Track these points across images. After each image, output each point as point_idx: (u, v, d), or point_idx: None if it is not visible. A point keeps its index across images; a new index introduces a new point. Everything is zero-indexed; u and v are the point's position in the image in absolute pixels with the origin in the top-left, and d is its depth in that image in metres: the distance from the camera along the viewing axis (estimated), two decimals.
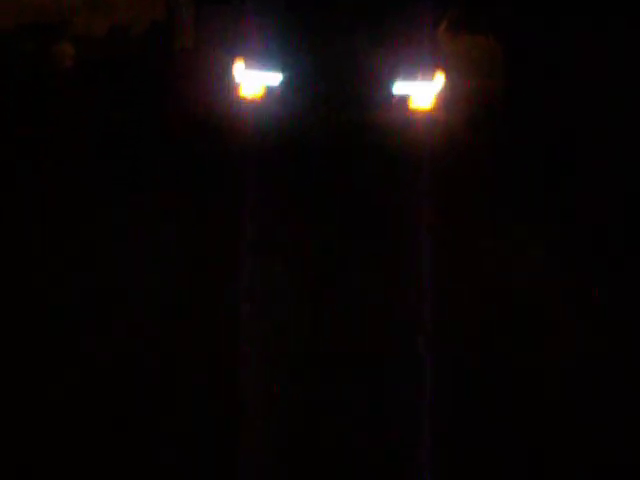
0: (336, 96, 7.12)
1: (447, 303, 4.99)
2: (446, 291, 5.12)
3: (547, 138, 8.39)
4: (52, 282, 5.06)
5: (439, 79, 7.13)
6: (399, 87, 7.11)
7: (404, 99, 7.10)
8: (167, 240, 5.75)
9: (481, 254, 5.86)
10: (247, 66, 7.16)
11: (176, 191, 6.64)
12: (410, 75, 7.10)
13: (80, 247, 5.65)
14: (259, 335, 4.56)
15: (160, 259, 5.47)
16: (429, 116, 7.08)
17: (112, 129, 8.76)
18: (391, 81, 7.11)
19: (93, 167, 7.29)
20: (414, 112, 7.08)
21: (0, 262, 5.35)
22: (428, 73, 7.10)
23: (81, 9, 11.08)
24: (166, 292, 5.05)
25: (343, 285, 5.23)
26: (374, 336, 4.74)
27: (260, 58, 7.17)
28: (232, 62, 7.29)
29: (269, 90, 7.17)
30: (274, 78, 7.18)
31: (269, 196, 6.15)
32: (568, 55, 10.01)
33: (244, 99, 7.20)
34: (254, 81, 7.16)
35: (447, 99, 7.36)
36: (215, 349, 4.42)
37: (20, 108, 9.08)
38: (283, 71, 7.14)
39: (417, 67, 7.15)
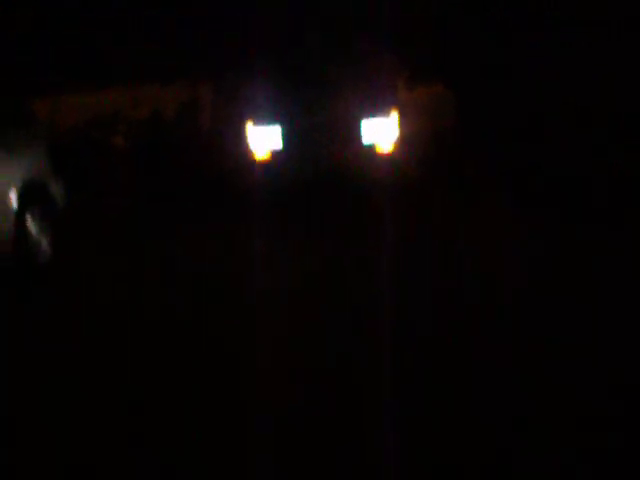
0: (322, 144, 9.33)
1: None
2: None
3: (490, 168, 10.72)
4: None
5: (395, 118, 9.35)
6: (367, 135, 9.32)
7: (371, 145, 9.35)
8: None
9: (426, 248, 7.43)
10: (255, 124, 9.40)
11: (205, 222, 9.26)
12: (373, 118, 9.29)
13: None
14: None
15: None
16: (390, 157, 9.38)
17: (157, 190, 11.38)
18: (359, 122, 9.30)
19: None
20: (380, 154, 9.37)
21: None
22: (387, 113, 9.31)
23: (128, 103, 13.63)
24: None
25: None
26: None
27: (264, 117, 9.41)
28: (244, 123, 9.54)
29: (274, 153, 9.45)
30: (277, 143, 9.41)
31: (274, 219, 8.77)
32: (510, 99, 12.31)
33: (256, 160, 9.54)
34: (263, 145, 9.46)
35: (406, 141, 9.66)
36: None
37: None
38: (282, 125, 9.31)
39: (379, 112, 9.32)
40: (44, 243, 7.80)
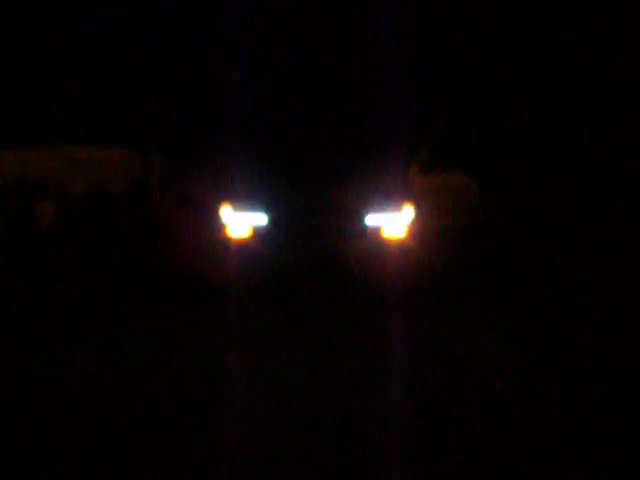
0: (315, 229, 7.65)
1: None
2: None
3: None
4: None
5: (408, 212, 7.79)
6: (372, 219, 7.69)
7: (377, 229, 7.66)
8: None
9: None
10: (234, 209, 7.67)
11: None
12: (381, 208, 7.70)
13: None
14: None
15: None
16: (401, 244, 7.68)
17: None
18: (365, 214, 7.68)
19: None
20: (387, 241, 7.66)
21: None
22: (398, 206, 7.74)
23: (61, 169, 11.60)
24: None
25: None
26: None
27: (246, 202, 7.66)
28: (218, 207, 7.80)
29: (256, 230, 7.63)
30: (260, 219, 7.66)
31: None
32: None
33: (231, 239, 7.66)
34: (242, 222, 7.65)
35: (418, 230, 7.97)
36: None
37: None
38: (267, 212, 7.64)
39: (388, 201, 7.69)
40: None
